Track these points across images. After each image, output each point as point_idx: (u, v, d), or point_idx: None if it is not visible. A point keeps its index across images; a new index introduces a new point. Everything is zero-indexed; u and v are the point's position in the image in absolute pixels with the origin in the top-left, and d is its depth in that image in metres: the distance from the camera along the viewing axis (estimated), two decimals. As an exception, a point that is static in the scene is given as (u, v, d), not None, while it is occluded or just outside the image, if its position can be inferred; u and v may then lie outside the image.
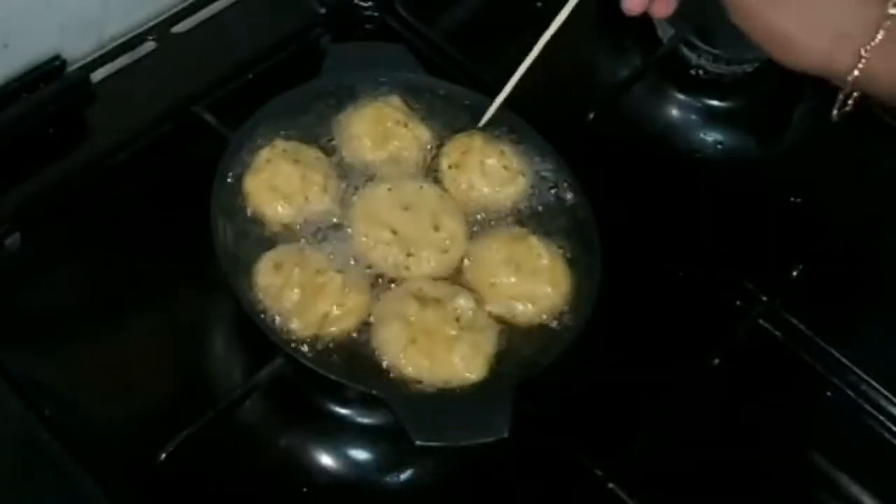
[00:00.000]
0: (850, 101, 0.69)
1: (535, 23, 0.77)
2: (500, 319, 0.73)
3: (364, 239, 0.74)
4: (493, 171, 0.79)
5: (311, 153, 0.77)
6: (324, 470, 0.73)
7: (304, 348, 0.69)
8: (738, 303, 0.85)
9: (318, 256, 0.72)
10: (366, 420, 0.75)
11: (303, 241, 0.74)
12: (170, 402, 0.73)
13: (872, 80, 0.65)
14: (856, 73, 0.65)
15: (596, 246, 0.77)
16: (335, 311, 0.70)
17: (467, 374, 0.69)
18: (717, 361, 0.81)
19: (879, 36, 0.64)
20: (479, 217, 0.78)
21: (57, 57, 0.84)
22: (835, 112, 0.70)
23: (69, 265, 0.78)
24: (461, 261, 0.75)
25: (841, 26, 0.65)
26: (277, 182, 0.74)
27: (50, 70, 0.83)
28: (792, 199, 0.92)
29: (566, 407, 0.76)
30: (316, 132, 0.79)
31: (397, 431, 0.65)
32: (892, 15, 0.64)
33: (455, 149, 0.80)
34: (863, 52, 0.64)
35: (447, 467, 0.75)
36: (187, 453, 0.68)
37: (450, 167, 0.79)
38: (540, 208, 0.79)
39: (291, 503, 0.72)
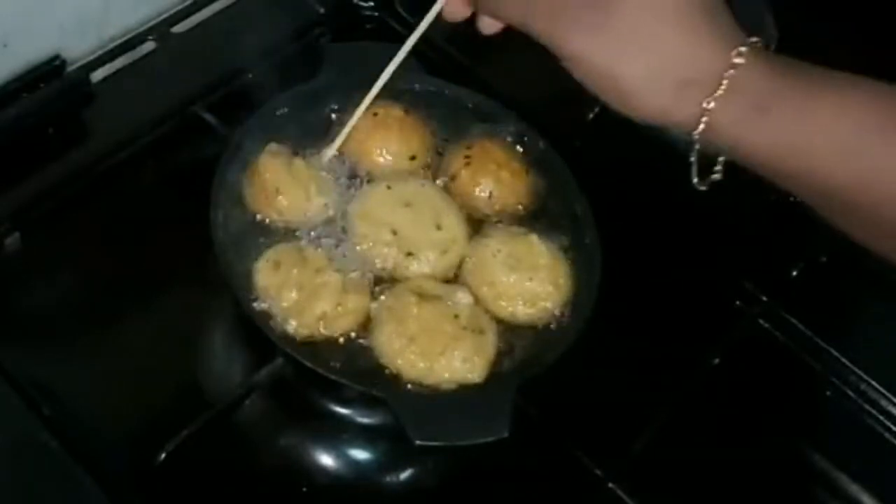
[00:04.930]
0: (717, 168, 0.62)
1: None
2: (500, 319, 0.73)
3: (364, 239, 0.74)
4: (494, 173, 0.79)
5: (311, 153, 0.77)
6: (324, 470, 0.73)
7: (304, 348, 0.69)
8: (738, 303, 0.85)
9: (318, 256, 0.72)
10: (366, 420, 0.75)
11: (302, 240, 0.74)
12: (170, 402, 0.73)
13: (718, 134, 0.58)
14: (701, 126, 0.58)
15: (596, 246, 0.77)
16: (334, 310, 0.70)
17: (467, 375, 0.69)
18: (717, 361, 0.81)
19: (723, 86, 0.57)
20: (479, 217, 0.78)
21: (57, 57, 0.84)
22: (695, 180, 0.62)
23: (69, 265, 0.78)
24: (461, 261, 0.75)
25: (684, 74, 0.58)
26: (278, 182, 0.74)
27: (50, 70, 0.83)
28: (792, 199, 0.92)
29: (566, 407, 0.76)
30: (316, 132, 0.79)
31: (397, 431, 0.65)
32: (736, 64, 0.57)
33: (457, 152, 0.80)
34: (705, 104, 0.58)
35: (447, 467, 0.75)
36: (187, 453, 0.68)
37: (451, 169, 0.79)
38: (539, 208, 0.80)
39: (291, 503, 0.72)
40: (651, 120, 0.60)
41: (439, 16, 0.68)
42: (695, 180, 0.63)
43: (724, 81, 0.57)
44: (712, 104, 0.57)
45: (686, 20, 0.58)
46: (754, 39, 0.58)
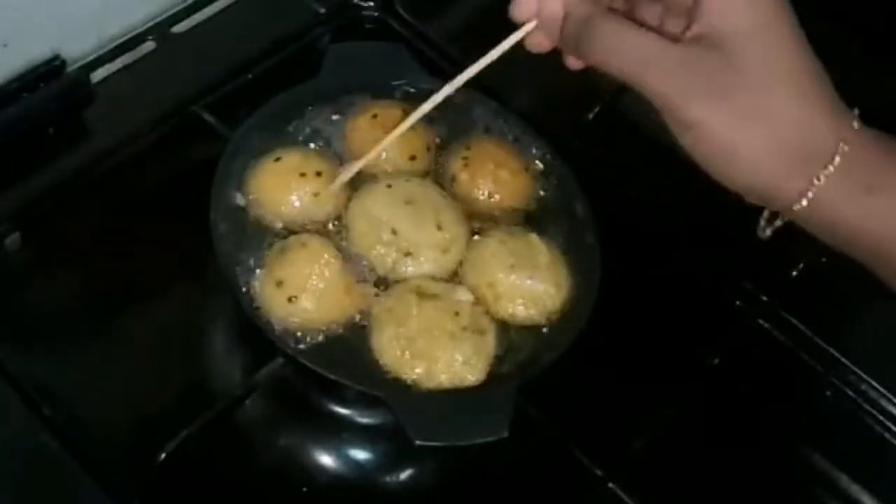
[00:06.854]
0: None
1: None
2: (500, 319, 0.73)
3: (364, 238, 0.74)
4: (494, 174, 0.79)
5: (311, 154, 0.77)
6: (324, 470, 0.73)
7: (304, 348, 0.69)
8: (738, 303, 0.85)
9: (318, 256, 0.72)
10: (366, 420, 0.75)
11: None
12: (170, 402, 0.73)
13: (819, 211, 0.56)
14: (803, 202, 0.56)
15: (595, 246, 0.77)
16: (334, 310, 0.70)
17: (467, 375, 0.69)
18: (717, 361, 0.81)
19: (836, 161, 0.54)
20: (479, 217, 0.78)
21: (57, 57, 0.84)
22: (766, 229, 0.61)
23: (69, 265, 0.78)
24: (461, 260, 0.75)
25: (803, 146, 0.55)
26: (277, 182, 0.74)
27: (50, 70, 0.83)
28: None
29: (566, 407, 0.76)
30: (316, 133, 0.79)
31: (397, 431, 0.65)
32: (850, 139, 0.55)
33: (456, 152, 0.80)
34: (815, 180, 0.55)
35: (447, 467, 0.75)
36: (187, 453, 0.68)
37: (450, 169, 0.79)
38: (539, 208, 0.80)
39: (291, 503, 0.72)
40: (752, 192, 0.58)
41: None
42: (762, 229, 0.61)
43: (837, 157, 0.55)
44: (822, 180, 0.55)
45: (807, 88, 0.56)
46: (856, 112, 0.57)
